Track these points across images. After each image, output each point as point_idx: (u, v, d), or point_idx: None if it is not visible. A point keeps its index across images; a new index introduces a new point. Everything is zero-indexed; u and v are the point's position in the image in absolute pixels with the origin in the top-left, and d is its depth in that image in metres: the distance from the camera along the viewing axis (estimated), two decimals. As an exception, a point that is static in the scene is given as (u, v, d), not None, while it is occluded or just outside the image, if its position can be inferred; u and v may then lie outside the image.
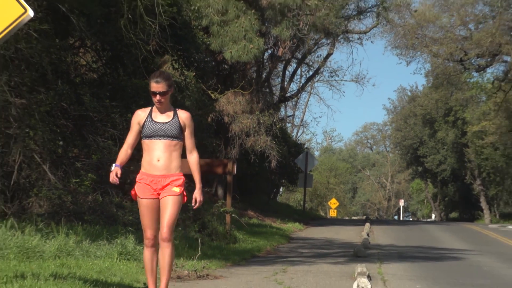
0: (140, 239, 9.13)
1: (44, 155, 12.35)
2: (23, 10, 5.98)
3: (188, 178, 6.18)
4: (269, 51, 27.19)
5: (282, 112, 38.94)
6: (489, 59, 38.20)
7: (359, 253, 13.54)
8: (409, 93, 61.99)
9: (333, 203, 43.83)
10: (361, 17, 32.25)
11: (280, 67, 31.83)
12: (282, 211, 33.11)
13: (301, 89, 36.37)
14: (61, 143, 13.45)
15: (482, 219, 49.70)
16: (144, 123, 5.99)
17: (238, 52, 19.47)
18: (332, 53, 33.05)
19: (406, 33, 38.41)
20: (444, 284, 9.53)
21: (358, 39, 34.08)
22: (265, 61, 27.97)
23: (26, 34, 12.02)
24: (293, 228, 24.51)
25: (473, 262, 13.45)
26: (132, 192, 6.08)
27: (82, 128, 14.19)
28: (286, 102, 37.52)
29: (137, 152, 6.25)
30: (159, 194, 5.98)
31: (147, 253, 6.05)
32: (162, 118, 6.00)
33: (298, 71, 35.76)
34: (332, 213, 43.68)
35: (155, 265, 6.06)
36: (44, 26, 12.55)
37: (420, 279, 10.10)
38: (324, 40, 31.28)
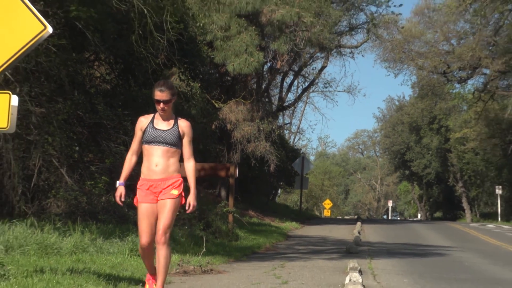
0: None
1: (62, 160, 12.36)
2: (43, 27, 6.02)
3: (187, 181, 5.95)
4: (268, 64, 27.20)
5: (280, 120, 38.93)
6: (469, 72, 38.26)
7: (351, 250, 13.52)
8: (396, 103, 62.25)
9: (327, 203, 43.83)
10: (353, 33, 32.41)
11: (279, 78, 31.85)
12: (280, 211, 33.06)
13: (298, 99, 36.37)
14: (77, 148, 13.44)
15: (463, 218, 49.64)
16: (145, 129, 5.81)
17: (240, 65, 19.52)
18: (326, 66, 33.13)
19: (394, 48, 38.54)
20: (429, 278, 9.51)
21: (350, 53, 34.21)
22: (264, 73, 27.98)
23: (45, 49, 12.04)
24: (290, 226, 24.45)
25: (456, 258, 13.42)
26: (135, 200, 5.87)
27: (96, 134, 14.19)
28: (284, 111, 37.53)
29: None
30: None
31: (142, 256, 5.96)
32: (163, 125, 5.81)
33: (295, 82, 35.90)
34: (326, 213, 43.65)
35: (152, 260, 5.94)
36: (62, 41, 12.58)
37: (407, 273, 10.08)
38: (318, 54, 31.33)
